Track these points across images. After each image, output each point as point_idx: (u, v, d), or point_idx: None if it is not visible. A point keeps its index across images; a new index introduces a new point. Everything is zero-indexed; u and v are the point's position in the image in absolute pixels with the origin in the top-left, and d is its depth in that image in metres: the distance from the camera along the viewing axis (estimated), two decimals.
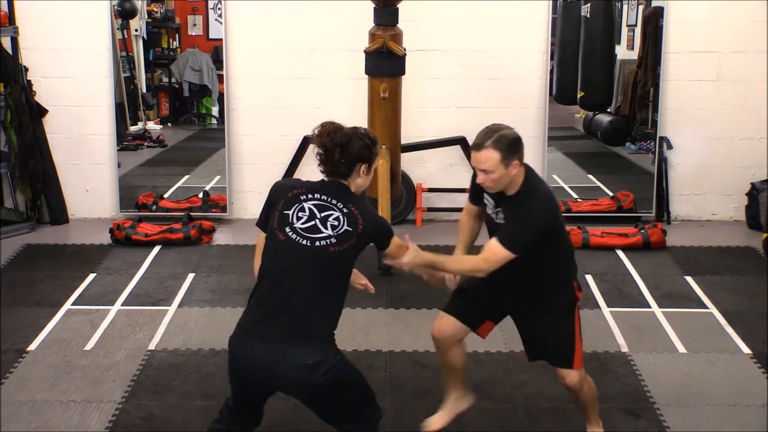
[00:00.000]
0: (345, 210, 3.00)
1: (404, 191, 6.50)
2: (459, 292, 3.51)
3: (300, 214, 3.00)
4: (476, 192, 3.43)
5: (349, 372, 3.05)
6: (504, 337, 4.49)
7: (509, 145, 3.15)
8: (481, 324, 3.52)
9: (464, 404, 3.69)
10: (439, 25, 6.54)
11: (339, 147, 3.01)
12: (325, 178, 3.10)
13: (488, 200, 3.35)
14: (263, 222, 3.13)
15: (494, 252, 3.18)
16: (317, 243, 2.95)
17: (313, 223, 2.98)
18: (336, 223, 2.98)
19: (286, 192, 3.08)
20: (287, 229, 2.99)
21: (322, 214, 2.99)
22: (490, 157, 3.13)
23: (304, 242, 2.95)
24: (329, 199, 3.03)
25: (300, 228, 2.98)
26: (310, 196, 3.04)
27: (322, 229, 2.96)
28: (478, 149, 3.16)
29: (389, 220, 5.57)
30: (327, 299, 2.98)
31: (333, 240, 2.95)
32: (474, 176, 3.37)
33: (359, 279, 3.31)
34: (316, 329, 2.94)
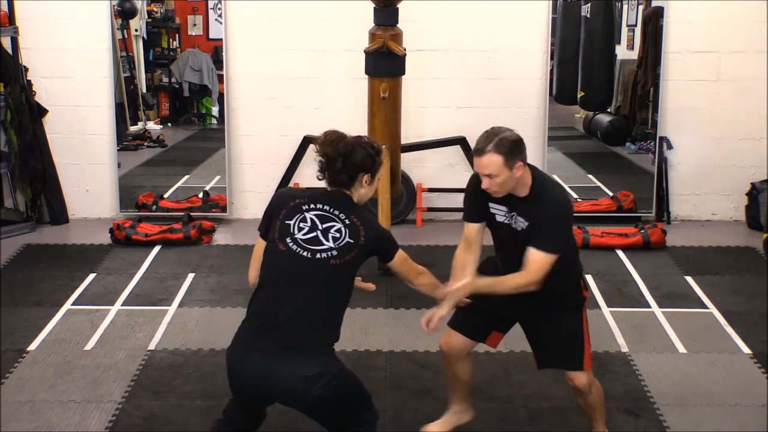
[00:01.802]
0: (347, 221, 2.96)
1: (404, 191, 6.50)
2: (463, 306, 3.43)
3: (302, 224, 2.96)
4: (477, 206, 3.33)
5: (347, 379, 3.01)
6: (504, 337, 4.47)
7: (510, 147, 3.11)
8: (487, 336, 3.52)
9: (465, 418, 3.69)
10: (439, 25, 6.53)
11: (341, 157, 2.96)
12: (328, 188, 3.06)
13: (497, 208, 3.27)
14: (264, 229, 3.09)
15: (540, 263, 3.13)
16: (318, 255, 2.91)
17: (314, 234, 2.94)
18: (338, 235, 2.94)
19: (288, 201, 3.03)
20: (288, 240, 2.95)
21: (324, 226, 2.95)
22: (493, 161, 3.09)
23: (305, 254, 2.92)
24: (332, 210, 2.98)
25: (301, 239, 2.94)
26: (312, 206, 2.99)
27: (324, 242, 2.93)
28: (481, 154, 3.12)
29: (389, 220, 5.58)
30: (327, 311, 2.95)
31: (334, 252, 2.91)
32: (468, 194, 3.33)
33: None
34: (316, 341, 2.91)
